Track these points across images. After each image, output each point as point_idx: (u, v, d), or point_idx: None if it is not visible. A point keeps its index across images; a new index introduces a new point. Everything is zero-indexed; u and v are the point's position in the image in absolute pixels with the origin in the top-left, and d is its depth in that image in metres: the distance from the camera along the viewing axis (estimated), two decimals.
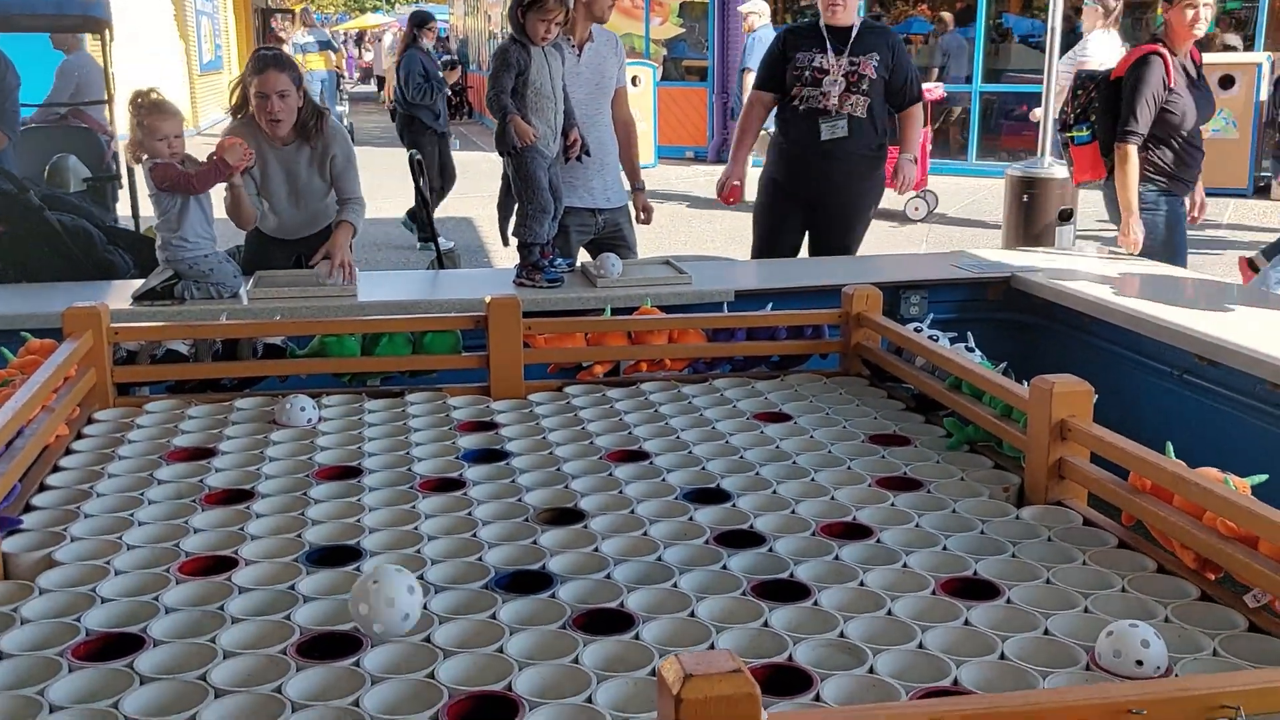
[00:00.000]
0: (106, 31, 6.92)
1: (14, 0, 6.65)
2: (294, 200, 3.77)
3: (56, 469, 2.06)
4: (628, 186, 4.48)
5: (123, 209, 6.33)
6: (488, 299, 2.60)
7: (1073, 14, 12.52)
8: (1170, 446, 1.82)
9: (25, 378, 2.14)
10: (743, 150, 4.85)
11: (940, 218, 10.73)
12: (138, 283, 3.49)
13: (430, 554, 1.72)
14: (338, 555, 1.72)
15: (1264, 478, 1.77)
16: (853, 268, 4.22)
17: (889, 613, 1.53)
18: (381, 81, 29.75)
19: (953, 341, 2.61)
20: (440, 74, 9.04)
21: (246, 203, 3.52)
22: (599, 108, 4.24)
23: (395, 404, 2.52)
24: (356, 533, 1.80)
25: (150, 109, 3.17)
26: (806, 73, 4.43)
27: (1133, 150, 4.22)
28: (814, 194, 4.51)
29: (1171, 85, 4.21)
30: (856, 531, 1.82)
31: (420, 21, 8.95)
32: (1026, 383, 2.05)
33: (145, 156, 3.20)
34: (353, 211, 3.73)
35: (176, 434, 2.26)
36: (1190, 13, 4.18)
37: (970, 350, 2.54)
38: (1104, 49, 8.20)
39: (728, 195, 4.74)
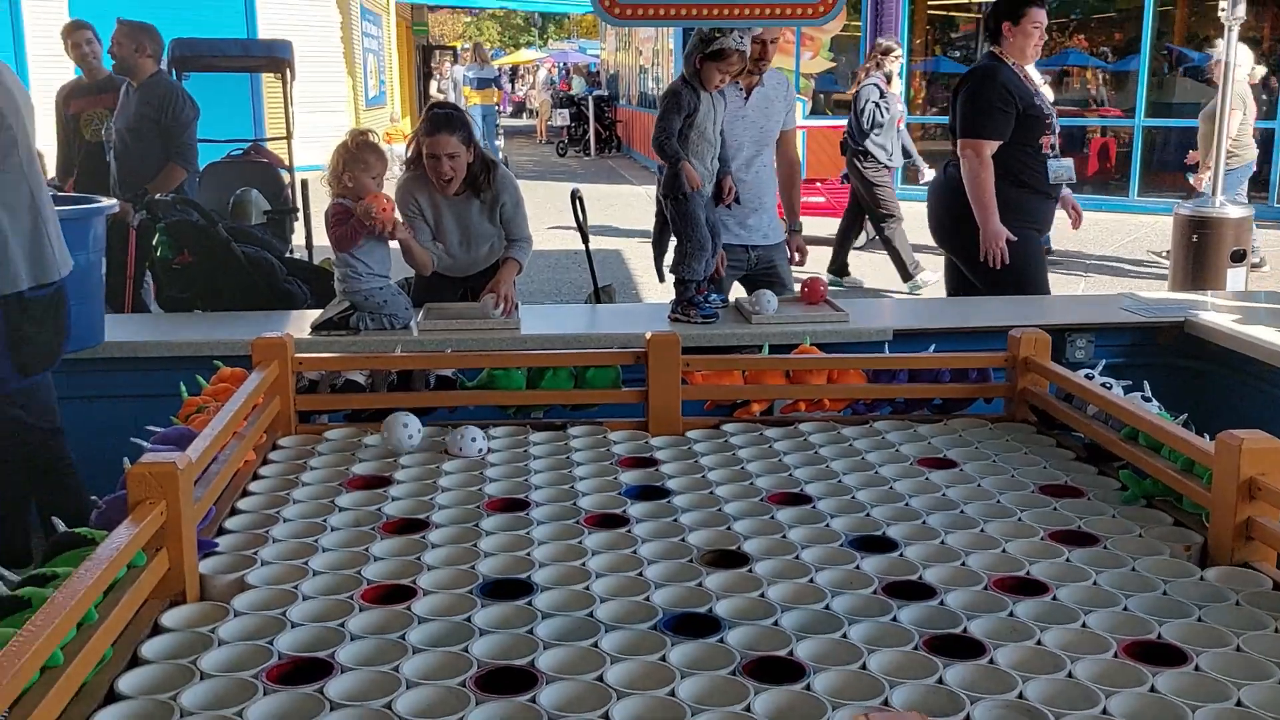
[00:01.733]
0: (288, 70, 7.32)
1: (205, 43, 7.10)
2: (465, 245, 3.93)
3: (246, 493, 2.17)
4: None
5: (296, 239, 6.65)
6: (648, 335, 2.64)
7: (1250, 47, 12.03)
8: None
9: (218, 404, 2.26)
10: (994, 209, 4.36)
11: (1096, 256, 10.39)
12: (315, 313, 3.67)
13: (599, 591, 1.75)
14: (510, 588, 1.76)
15: None
16: (1016, 309, 4.12)
17: (1069, 674, 1.49)
18: (534, 114, 30.50)
19: (1126, 390, 2.52)
20: None
21: (418, 251, 3.71)
22: (760, 150, 4.28)
23: (558, 436, 2.57)
24: (527, 566, 1.84)
25: (367, 147, 3.42)
26: (1049, 118, 4.38)
27: None
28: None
29: None
30: (1031, 587, 1.77)
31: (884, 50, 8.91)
32: (1206, 435, 1.97)
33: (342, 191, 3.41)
34: (520, 250, 3.87)
35: (354, 461, 2.36)
36: None
37: (1147, 400, 2.46)
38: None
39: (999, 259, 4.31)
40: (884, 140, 8.72)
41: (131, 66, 5.37)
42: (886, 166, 8.85)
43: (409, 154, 3.96)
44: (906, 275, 8.72)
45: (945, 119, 14.85)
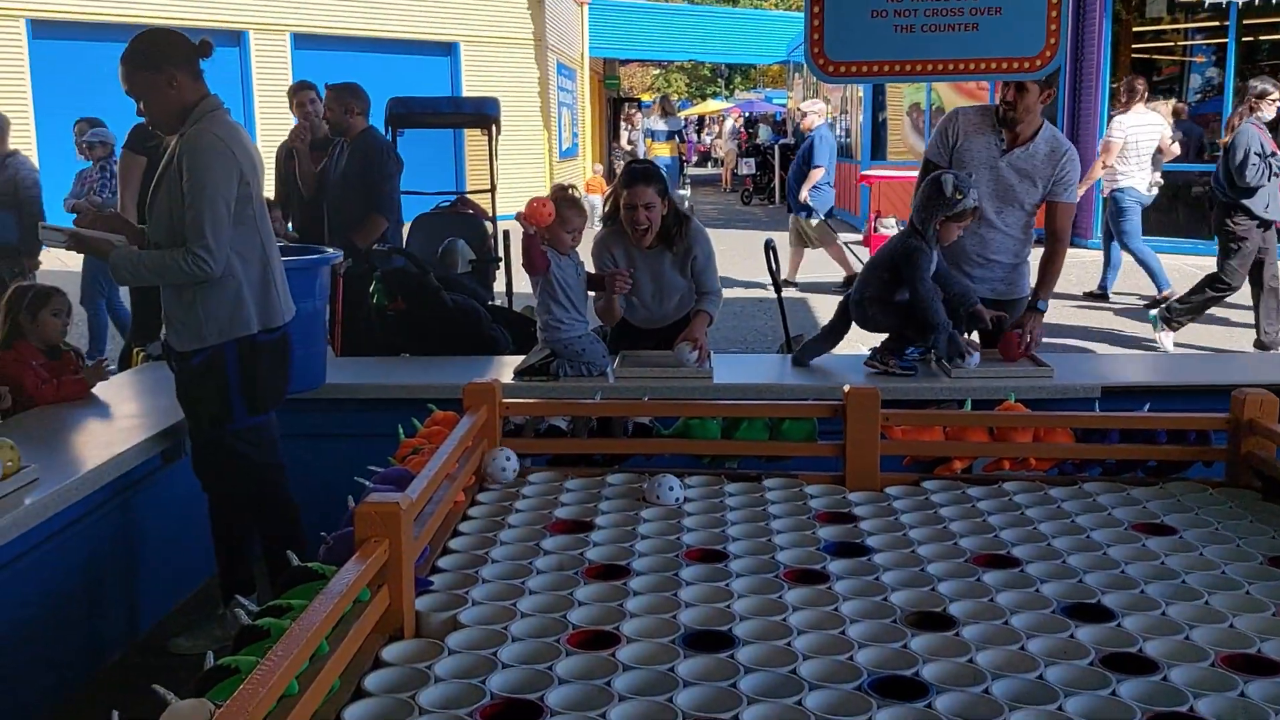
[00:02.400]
0: (494, 126, 7.64)
1: (419, 101, 7.49)
2: (657, 297, 4.01)
3: (456, 534, 2.26)
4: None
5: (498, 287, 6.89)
6: (847, 388, 2.62)
7: None
8: None
9: (432, 446, 2.37)
10: None
11: None
12: (517, 358, 3.80)
13: (800, 647, 1.73)
14: (711, 640, 1.77)
15: None
16: (1238, 366, 3.90)
17: None
18: (719, 164, 30.79)
19: None
20: None
21: (617, 306, 3.81)
22: (1002, 209, 4.03)
23: (753, 488, 2.57)
24: (727, 619, 1.85)
25: (568, 202, 3.54)
26: None
27: None
28: None
29: None
30: (1262, 666, 1.67)
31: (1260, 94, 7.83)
32: None
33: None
34: (711, 303, 3.93)
35: (557, 505, 2.42)
36: None
37: None
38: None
39: None
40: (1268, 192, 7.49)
41: (344, 126, 5.72)
42: (1263, 220, 7.61)
43: (606, 209, 4.08)
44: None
45: (1193, 166, 14.20)
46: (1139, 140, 9.64)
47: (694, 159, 34.02)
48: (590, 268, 3.87)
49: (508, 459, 2.55)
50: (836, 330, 3.94)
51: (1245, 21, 13.24)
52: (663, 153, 18.57)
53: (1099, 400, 3.28)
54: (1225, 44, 13.28)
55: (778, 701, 1.55)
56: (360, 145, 5.60)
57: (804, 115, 10.15)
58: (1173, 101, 12.06)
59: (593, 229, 4.51)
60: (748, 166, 22.99)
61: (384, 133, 6.88)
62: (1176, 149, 10.10)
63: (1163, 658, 1.69)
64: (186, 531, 3.73)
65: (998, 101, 3.96)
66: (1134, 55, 14.92)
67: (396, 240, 5.72)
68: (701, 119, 38.09)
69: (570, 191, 3.62)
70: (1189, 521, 2.31)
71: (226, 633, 3.34)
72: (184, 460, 3.59)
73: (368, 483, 2.20)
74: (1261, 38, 14.03)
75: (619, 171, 4.13)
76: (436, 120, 7.93)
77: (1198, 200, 13.19)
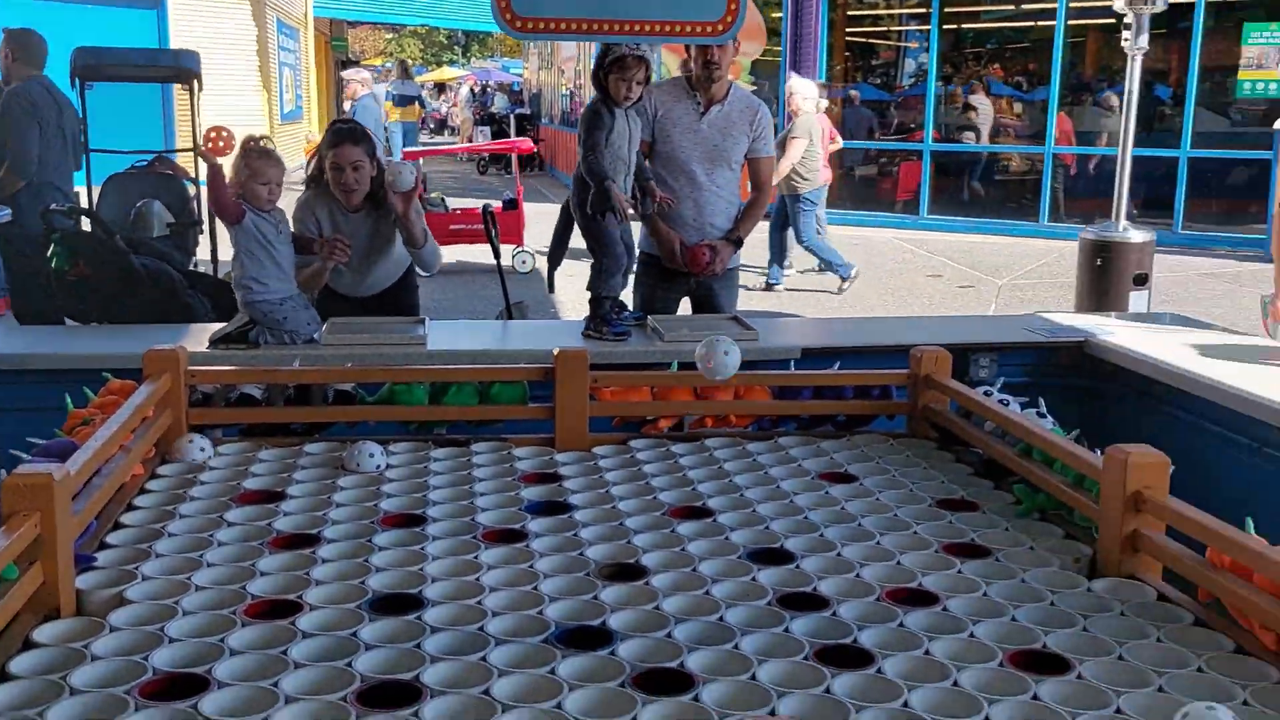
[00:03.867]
0: (195, 82, 7.18)
1: (110, 52, 6.94)
2: (365, 262, 3.87)
3: (131, 508, 2.10)
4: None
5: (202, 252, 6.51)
6: (556, 351, 2.62)
7: (1153, 79, 12.45)
8: (1250, 522, 1.77)
9: (105, 417, 2.19)
10: None
11: (1011, 280, 10.63)
12: (215, 327, 3.58)
13: (491, 605, 1.72)
14: (399, 603, 1.72)
15: None
16: (921, 328, 4.19)
17: (955, 683, 1.50)
18: (455, 132, 30.36)
19: (1024, 407, 2.57)
20: None
21: (325, 275, 3.67)
22: (712, 170, 4.17)
23: (461, 453, 2.53)
24: (419, 581, 1.81)
25: (259, 154, 3.32)
26: None
27: None
28: None
29: None
30: (922, 598, 1.79)
31: None
32: (1100, 451, 2.01)
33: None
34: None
35: (247, 476, 2.30)
36: None
37: (1042, 416, 2.50)
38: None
39: None
40: None
41: (8, 73, 5.34)
42: None
43: (310, 171, 3.91)
44: None
45: (871, 144, 15.05)
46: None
47: (430, 127, 33.37)
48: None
49: (201, 449, 2.40)
50: (562, 235, 4.07)
51: (947, 10, 14.25)
52: (400, 117, 18.09)
53: (796, 361, 3.44)
54: (931, 30, 14.24)
55: (460, 659, 1.53)
56: (6, 100, 5.23)
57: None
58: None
59: None
60: (484, 135, 22.79)
61: (71, 85, 6.35)
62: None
63: (834, 595, 1.79)
64: None
65: (696, 66, 4.12)
66: (848, 39, 15.78)
67: (50, 200, 5.29)
68: (440, 86, 37.44)
69: (263, 142, 3.41)
70: (870, 470, 2.46)
71: None
72: None
73: (26, 455, 2.02)
74: (964, 26, 15.17)
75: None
76: (129, 73, 7.37)
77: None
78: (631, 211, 3.80)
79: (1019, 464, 2.29)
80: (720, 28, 3.80)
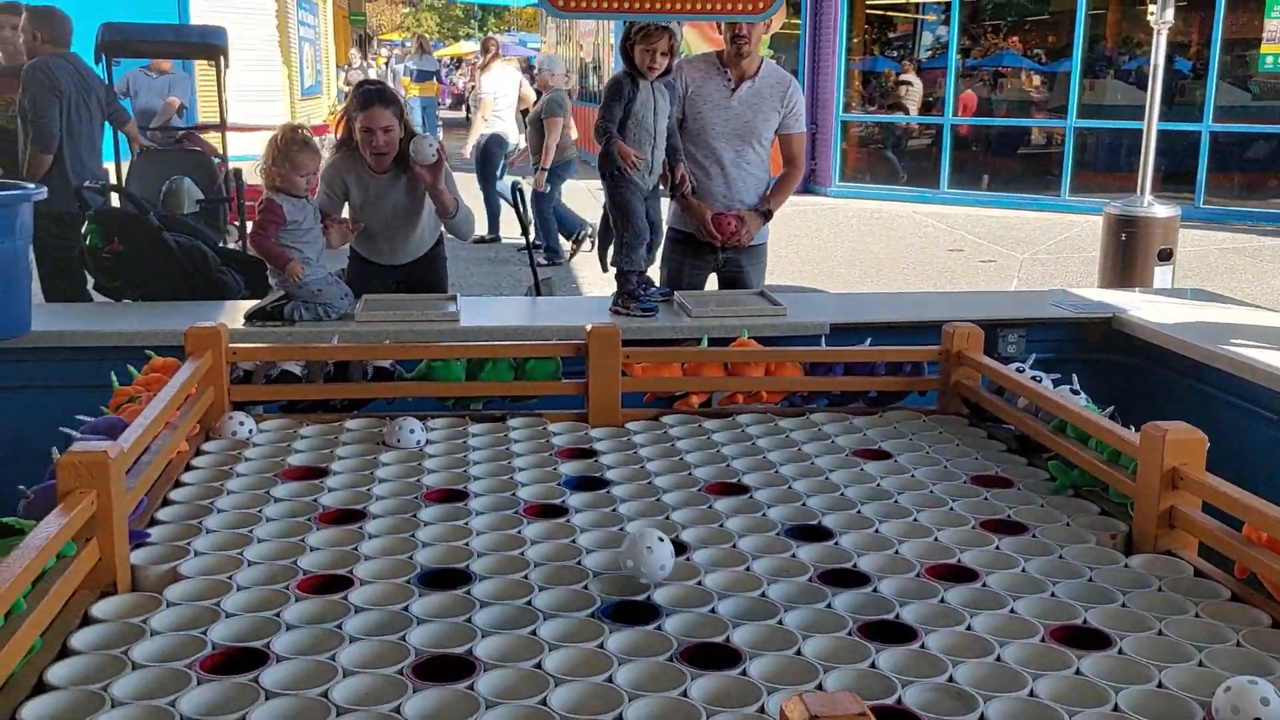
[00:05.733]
0: (222, 58, 7.19)
1: (137, 28, 6.95)
2: (395, 227, 3.88)
3: (179, 484, 2.14)
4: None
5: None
6: (588, 327, 2.64)
7: (1174, 52, 12.32)
8: None
9: (150, 394, 2.23)
10: None
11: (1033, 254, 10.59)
12: (250, 303, 3.62)
13: (537, 579, 1.75)
14: (448, 578, 1.75)
15: None
16: (950, 304, 4.19)
17: (998, 659, 1.52)
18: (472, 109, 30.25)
19: (1055, 383, 2.58)
20: None
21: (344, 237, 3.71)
22: (743, 147, 4.16)
23: (497, 428, 2.56)
24: (465, 556, 1.84)
25: (300, 144, 3.34)
26: None
27: None
28: None
29: None
30: (962, 574, 1.81)
31: None
32: (1131, 427, 2.02)
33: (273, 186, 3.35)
34: (453, 188, 3.88)
35: (290, 453, 2.33)
36: None
37: (1075, 393, 2.51)
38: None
39: None
40: None
41: (35, 54, 5.30)
42: None
43: (338, 136, 3.92)
44: None
45: (882, 118, 14.99)
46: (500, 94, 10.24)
47: (447, 102, 33.29)
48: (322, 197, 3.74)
49: (241, 423, 2.43)
50: (608, 219, 4.01)
51: None
52: (419, 93, 18.06)
53: (826, 337, 3.45)
54: (950, 3, 14.12)
55: (512, 633, 1.56)
56: (26, 75, 5.21)
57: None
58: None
59: None
60: None
61: (96, 62, 6.37)
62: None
63: (875, 571, 1.81)
64: None
65: (727, 42, 4.11)
66: (869, 11, 15.66)
67: (76, 176, 5.29)
68: (457, 60, 37.29)
69: (301, 133, 3.43)
70: (903, 446, 2.47)
71: None
72: None
73: (75, 433, 2.05)
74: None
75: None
76: (156, 49, 7.39)
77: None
78: (653, 178, 3.80)
79: (1053, 440, 2.30)
80: (761, 5, 3.79)
